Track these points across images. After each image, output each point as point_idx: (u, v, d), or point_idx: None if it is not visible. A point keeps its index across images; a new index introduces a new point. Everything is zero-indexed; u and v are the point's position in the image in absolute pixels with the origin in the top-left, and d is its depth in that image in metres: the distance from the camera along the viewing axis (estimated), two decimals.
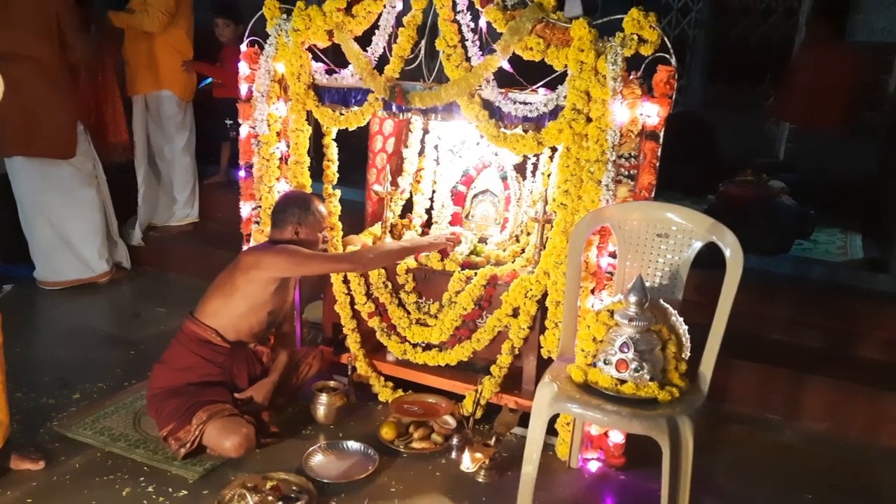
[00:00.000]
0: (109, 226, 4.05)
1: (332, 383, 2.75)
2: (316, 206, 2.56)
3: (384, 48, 2.51)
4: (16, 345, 2.29)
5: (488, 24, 2.34)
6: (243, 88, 2.74)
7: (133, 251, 4.21)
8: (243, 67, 2.72)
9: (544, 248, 2.55)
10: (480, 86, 2.35)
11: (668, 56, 2.11)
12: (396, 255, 2.65)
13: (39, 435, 2.49)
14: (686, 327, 2.05)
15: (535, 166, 2.89)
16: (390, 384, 2.80)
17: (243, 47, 2.71)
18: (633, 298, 1.95)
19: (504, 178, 2.94)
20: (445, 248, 2.75)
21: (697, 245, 2.10)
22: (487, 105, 2.37)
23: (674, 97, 2.13)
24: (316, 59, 2.65)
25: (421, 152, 3.12)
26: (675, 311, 2.06)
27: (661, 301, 2.08)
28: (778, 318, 3.22)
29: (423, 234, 3.05)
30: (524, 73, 2.37)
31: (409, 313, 2.74)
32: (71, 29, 3.55)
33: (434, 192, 3.13)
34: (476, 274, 2.61)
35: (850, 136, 4.59)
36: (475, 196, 3.03)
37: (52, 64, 3.52)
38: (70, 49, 3.58)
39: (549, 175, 2.84)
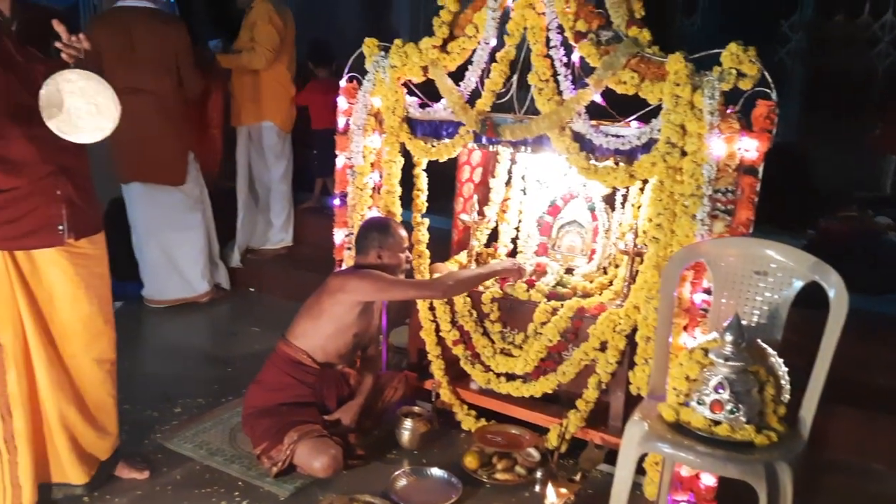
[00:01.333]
0: (212, 248, 4.28)
1: (416, 409, 2.79)
2: (395, 229, 2.65)
3: (476, 82, 2.57)
4: (124, 359, 2.45)
5: (581, 58, 2.35)
6: (341, 121, 2.85)
7: (232, 272, 4.43)
8: (341, 102, 2.84)
9: (633, 281, 2.52)
10: (571, 118, 2.37)
11: (768, 90, 2.06)
12: (473, 281, 2.70)
13: (144, 446, 2.64)
14: (786, 369, 1.97)
15: (625, 197, 2.86)
16: (473, 413, 2.81)
17: (342, 83, 2.83)
18: (729, 337, 1.89)
19: (592, 209, 2.93)
20: (531, 279, 2.76)
21: (798, 284, 2.02)
22: (578, 137, 2.38)
23: (774, 132, 2.08)
24: (410, 93, 2.74)
25: (508, 182, 3.15)
26: (774, 353, 1.98)
27: (759, 341, 2.01)
28: (883, 362, 3.04)
29: None
30: (616, 106, 2.37)
31: (493, 342, 2.75)
32: (187, 67, 3.83)
33: (520, 221, 3.16)
34: (563, 305, 2.60)
35: None
36: (562, 226, 3.02)
37: (168, 98, 3.81)
38: (185, 84, 3.85)
39: (639, 207, 2.81)
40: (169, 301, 4.10)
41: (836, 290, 1.93)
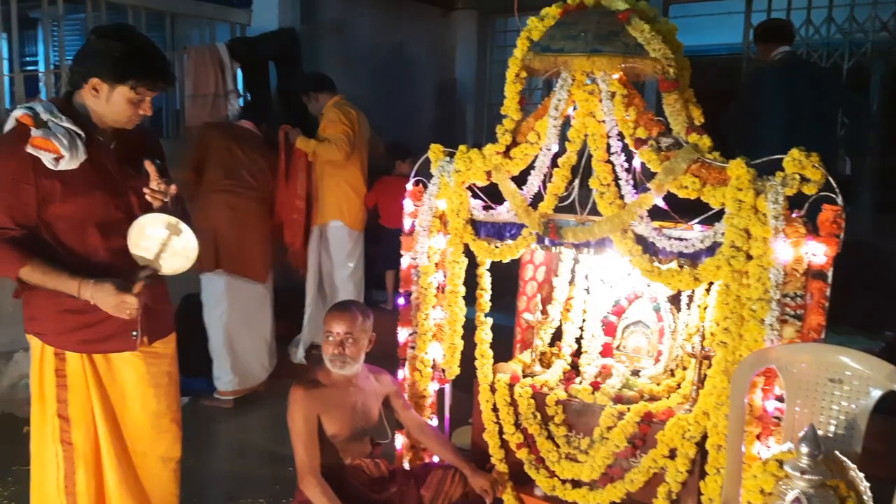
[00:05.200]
0: (272, 341, 4.41)
1: None
2: (327, 318, 2.66)
3: (539, 186, 2.64)
4: (188, 456, 2.49)
5: (642, 164, 2.41)
6: (406, 223, 2.96)
7: (295, 368, 4.51)
8: (408, 204, 2.95)
9: (702, 385, 2.46)
10: (634, 222, 2.40)
11: (833, 195, 2.06)
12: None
13: None
14: (867, 484, 1.86)
15: (690, 298, 2.83)
16: None
17: (409, 186, 2.96)
18: (805, 449, 1.81)
19: (657, 310, 2.90)
20: (596, 381, 2.71)
21: (877, 394, 1.94)
22: (641, 240, 2.40)
23: (841, 236, 2.06)
24: (474, 196, 2.83)
25: (571, 281, 3.16)
26: (854, 466, 1.88)
27: (838, 453, 1.92)
28: None
29: (573, 363, 3.04)
30: (678, 209, 2.39)
31: (558, 447, 2.69)
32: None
33: (584, 321, 3.14)
34: (629, 409, 2.55)
35: None
36: (627, 327, 3.00)
37: (265, 198, 4.14)
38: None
39: (705, 308, 2.77)
40: (233, 392, 4.19)
41: None
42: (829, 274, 2.08)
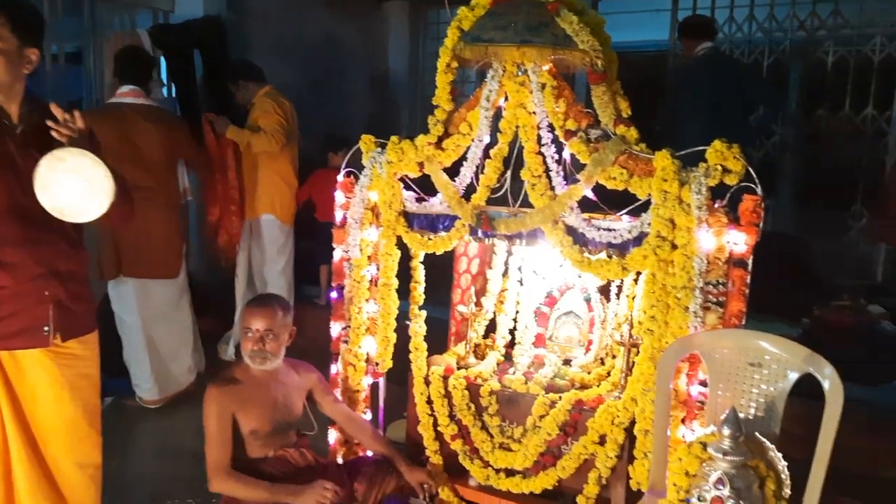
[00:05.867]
0: (195, 339, 4.25)
1: None
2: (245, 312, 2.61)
3: (471, 178, 2.64)
4: (111, 459, 2.40)
5: (572, 155, 2.44)
6: (338, 215, 2.91)
7: (226, 366, 4.38)
8: (339, 196, 2.90)
9: (630, 372, 2.51)
10: (564, 213, 2.42)
11: (753, 185, 2.13)
12: (256, 495, 2.43)
13: None
14: (785, 463, 1.94)
15: (620, 288, 2.89)
16: None
17: (340, 177, 2.91)
18: (727, 431, 1.87)
19: (588, 300, 2.95)
20: (529, 371, 2.74)
21: (794, 376, 2.02)
22: (571, 231, 2.43)
23: (761, 225, 2.13)
24: (407, 187, 2.81)
25: (504, 273, 3.19)
26: (773, 446, 1.96)
27: (758, 435, 1.99)
28: (886, 453, 2.98)
29: (507, 354, 3.06)
30: (608, 201, 2.43)
31: (492, 437, 2.70)
32: (193, 159, 3.97)
33: (517, 312, 3.17)
34: (560, 398, 2.58)
35: None
36: (559, 317, 3.03)
37: (168, 193, 3.89)
38: (198, 172, 4.02)
39: (633, 297, 2.83)
40: (158, 400, 4.03)
41: (830, 381, 1.93)
42: (750, 262, 2.15)
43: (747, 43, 5.67)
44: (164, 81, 4.96)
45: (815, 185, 5.97)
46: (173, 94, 4.94)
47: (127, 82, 3.88)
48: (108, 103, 4.04)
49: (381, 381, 3.00)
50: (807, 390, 2.01)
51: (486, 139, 2.60)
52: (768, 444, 1.96)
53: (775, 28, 5.62)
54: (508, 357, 3.05)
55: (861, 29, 5.35)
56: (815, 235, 5.34)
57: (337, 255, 2.93)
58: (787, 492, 1.92)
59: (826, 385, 1.93)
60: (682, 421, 2.24)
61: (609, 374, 2.80)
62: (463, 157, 2.65)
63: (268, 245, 4.49)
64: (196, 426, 3.77)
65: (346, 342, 2.92)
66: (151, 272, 3.90)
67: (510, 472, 2.66)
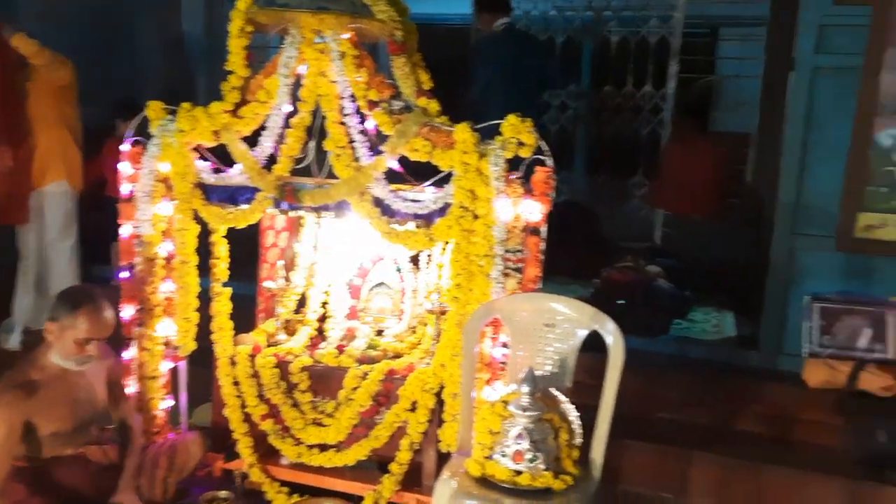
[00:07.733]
0: None
1: (221, 493, 2.61)
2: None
3: (273, 147, 2.53)
4: None
5: (376, 126, 2.42)
6: (125, 188, 2.67)
7: (9, 356, 3.88)
8: (125, 167, 2.66)
9: (440, 339, 2.58)
10: (370, 184, 2.41)
11: (544, 158, 2.25)
12: None
13: None
14: (577, 414, 2.10)
15: (430, 258, 2.95)
16: (286, 489, 2.67)
17: (125, 147, 2.66)
18: (525, 388, 1.99)
19: (399, 271, 2.98)
20: (341, 344, 2.72)
21: (583, 333, 2.19)
22: (378, 202, 2.42)
23: (553, 195, 2.27)
24: (202, 158, 2.64)
25: (315, 246, 3.11)
26: (566, 399, 2.12)
27: (552, 389, 2.14)
28: (664, 397, 3.36)
29: (320, 328, 3.01)
30: (415, 172, 2.46)
31: (304, 413, 2.66)
32: None
33: (329, 285, 3.12)
34: (373, 368, 2.59)
35: (717, 220, 4.97)
36: (371, 289, 3.03)
37: None
38: None
39: (442, 267, 2.90)
40: None
41: (612, 336, 2.11)
42: (544, 230, 2.29)
43: (543, 20, 5.98)
44: None
45: (604, 157, 6.51)
46: None
47: None
48: None
49: (183, 364, 2.82)
50: (594, 344, 2.19)
51: (288, 108, 2.50)
52: (562, 397, 2.12)
53: (567, 6, 5.97)
54: (321, 332, 3.01)
55: (640, 11, 5.84)
56: (604, 203, 5.83)
57: (125, 231, 2.69)
58: (579, 440, 2.09)
59: (609, 340, 2.12)
60: (488, 382, 2.34)
61: (420, 342, 2.85)
62: (263, 127, 2.53)
63: (56, 218, 3.96)
64: None
65: (140, 325, 2.71)
66: None
67: (324, 448, 2.64)
